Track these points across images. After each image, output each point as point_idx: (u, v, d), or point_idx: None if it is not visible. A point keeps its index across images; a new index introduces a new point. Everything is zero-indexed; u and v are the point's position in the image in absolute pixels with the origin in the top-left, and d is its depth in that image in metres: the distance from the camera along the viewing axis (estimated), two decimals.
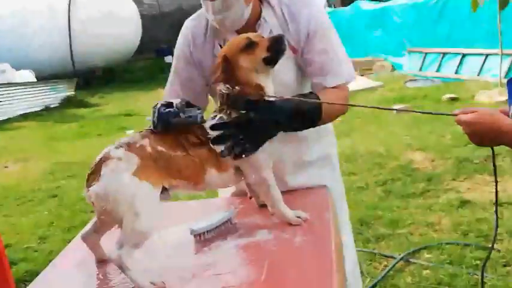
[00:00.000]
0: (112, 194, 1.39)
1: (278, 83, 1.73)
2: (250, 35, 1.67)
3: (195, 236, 1.64)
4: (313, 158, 2.05)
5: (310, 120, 1.75)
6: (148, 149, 1.48)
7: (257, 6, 1.87)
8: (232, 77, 1.60)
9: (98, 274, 1.55)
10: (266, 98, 1.62)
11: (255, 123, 1.58)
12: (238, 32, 1.83)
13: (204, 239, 1.64)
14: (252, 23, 1.86)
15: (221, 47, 1.86)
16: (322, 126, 1.87)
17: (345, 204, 2.25)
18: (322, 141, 2.07)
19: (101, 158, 1.45)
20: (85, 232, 1.60)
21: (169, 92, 2.03)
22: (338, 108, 1.85)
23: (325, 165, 2.10)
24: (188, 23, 2.00)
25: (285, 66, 1.83)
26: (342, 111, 1.92)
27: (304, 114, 1.70)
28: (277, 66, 1.67)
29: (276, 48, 1.62)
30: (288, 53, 1.76)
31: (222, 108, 1.62)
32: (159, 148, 1.49)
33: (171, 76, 2.06)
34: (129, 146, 1.47)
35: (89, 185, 1.44)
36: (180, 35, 2.03)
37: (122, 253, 1.39)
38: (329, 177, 2.10)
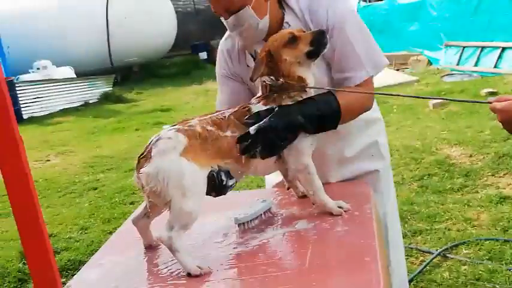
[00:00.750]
0: (161, 173, 1.45)
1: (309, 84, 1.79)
2: (293, 30, 1.73)
3: (239, 225, 1.69)
4: (356, 151, 2.06)
5: (330, 124, 1.76)
6: (198, 128, 1.53)
7: (278, 13, 1.90)
8: (275, 70, 1.67)
9: (145, 260, 1.61)
10: (307, 89, 1.68)
11: (275, 129, 1.61)
12: (265, 40, 1.86)
13: (247, 227, 1.69)
14: (276, 30, 1.88)
15: (252, 56, 1.94)
16: (362, 117, 1.91)
17: (393, 192, 2.25)
18: (364, 133, 2.08)
19: (151, 141, 1.52)
20: (135, 216, 1.66)
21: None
22: (359, 106, 1.88)
23: (368, 155, 2.10)
24: (221, 44, 2.10)
25: (315, 67, 1.85)
26: (364, 108, 1.92)
27: (323, 118, 1.72)
28: None
29: (318, 42, 1.68)
30: None
31: (267, 96, 1.67)
32: (209, 128, 1.55)
33: (219, 95, 2.13)
34: (180, 126, 1.53)
35: (139, 168, 1.50)
36: (217, 57, 2.13)
37: (172, 235, 1.44)
38: (375, 165, 2.11)
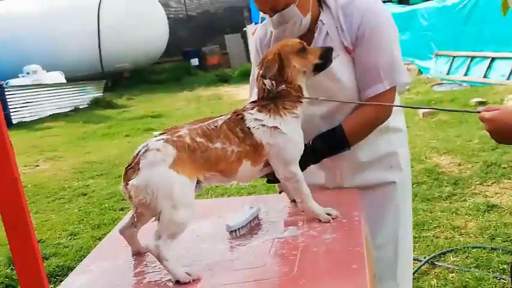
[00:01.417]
0: (150, 186, 1.44)
1: (330, 78, 1.86)
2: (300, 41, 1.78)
3: (230, 232, 1.69)
4: (372, 158, 2.06)
5: (341, 149, 1.93)
6: (187, 140, 1.53)
7: (316, 10, 1.95)
8: (280, 74, 1.69)
9: (132, 268, 1.61)
10: (303, 100, 1.72)
11: None
12: (300, 36, 1.94)
13: (239, 234, 1.69)
14: (312, 27, 1.94)
15: None
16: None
17: (409, 205, 2.25)
18: (381, 140, 2.06)
19: (139, 151, 1.51)
20: (123, 226, 1.65)
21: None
22: (371, 121, 1.96)
23: (387, 165, 2.09)
24: (256, 32, 2.19)
25: (341, 65, 1.90)
26: (378, 120, 1.97)
27: (331, 152, 1.92)
28: (337, 69, 1.86)
29: (327, 58, 1.75)
30: (343, 54, 1.90)
31: (264, 104, 1.68)
32: (198, 139, 1.54)
33: (252, 77, 2.17)
34: (168, 137, 1.52)
35: (127, 179, 1.49)
36: (253, 44, 2.25)
37: (160, 244, 1.44)
38: (393, 176, 2.10)
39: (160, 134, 1.56)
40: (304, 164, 1.77)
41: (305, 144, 1.77)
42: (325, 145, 1.90)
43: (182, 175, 1.47)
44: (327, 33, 1.93)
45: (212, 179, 1.61)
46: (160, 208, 1.45)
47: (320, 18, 1.94)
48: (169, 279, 1.46)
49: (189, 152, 1.51)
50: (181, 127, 1.58)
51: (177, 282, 1.43)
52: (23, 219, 2.28)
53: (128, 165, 1.51)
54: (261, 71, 1.70)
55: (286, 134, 1.65)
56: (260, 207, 1.83)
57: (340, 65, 1.90)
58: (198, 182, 1.56)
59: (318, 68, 1.75)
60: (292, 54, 1.71)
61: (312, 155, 1.87)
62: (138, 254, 1.66)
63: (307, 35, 1.94)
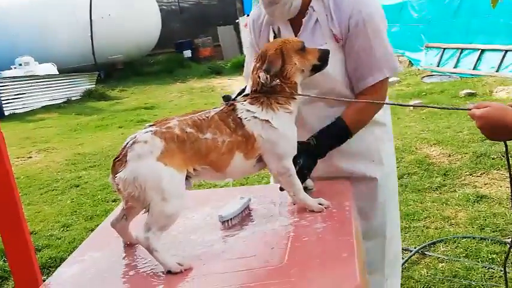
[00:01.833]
0: (138, 179, 1.44)
1: (320, 72, 1.86)
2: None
3: (223, 222, 1.71)
4: (353, 149, 2.06)
5: (343, 140, 1.96)
6: (176, 131, 1.53)
7: None
8: (279, 70, 1.69)
9: (124, 258, 1.62)
10: (296, 96, 1.72)
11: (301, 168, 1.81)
12: (290, 20, 1.99)
13: (231, 225, 1.71)
14: (302, 12, 1.97)
15: (274, 32, 2.03)
16: None
17: (395, 201, 2.29)
18: (365, 132, 2.06)
19: (127, 143, 1.51)
20: (114, 219, 1.65)
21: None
22: (368, 114, 1.99)
23: (368, 159, 2.11)
24: (251, 14, 2.23)
25: (331, 56, 1.91)
26: (375, 111, 2.01)
27: (336, 141, 1.96)
28: None
29: (324, 60, 1.79)
30: (331, 42, 1.93)
31: (256, 97, 1.69)
32: (188, 130, 1.54)
33: (245, 67, 2.23)
34: (157, 129, 1.52)
35: (115, 172, 1.50)
36: (247, 26, 2.25)
37: (150, 235, 1.45)
38: (375, 171, 2.12)
39: (150, 125, 1.55)
40: (314, 160, 1.86)
41: (309, 141, 1.85)
42: (330, 139, 1.94)
43: (170, 167, 1.47)
44: (317, 20, 1.95)
45: (204, 173, 1.60)
46: (150, 201, 1.45)
47: (311, 4, 1.96)
48: (162, 271, 1.46)
49: (178, 143, 1.51)
50: (171, 118, 1.58)
51: (169, 272, 1.44)
52: (15, 211, 2.29)
53: (116, 158, 1.51)
54: (263, 66, 1.69)
55: (277, 128, 1.65)
56: (250, 198, 1.85)
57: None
58: (188, 177, 1.56)
59: (316, 69, 1.78)
60: (293, 52, 1.73)
61: (320, 149, 1.90)
62: (130, 244, 1.67)
63: (296, 19, 1.98)
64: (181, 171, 1.52)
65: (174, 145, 1.50)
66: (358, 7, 1.91)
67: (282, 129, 1.67)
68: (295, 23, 2.00)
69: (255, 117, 1.65)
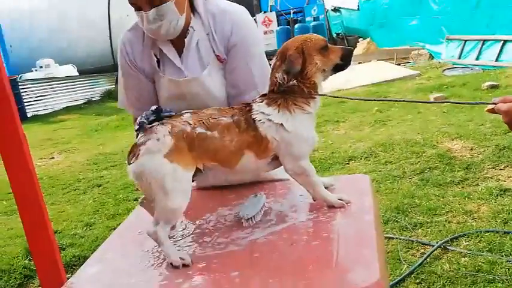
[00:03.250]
0: (144, 173, 1.51)
1: (199, 85, 1.88)
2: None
3: (246, 220, 1.70)
4: None
5: None
6: (187, 128, 1.55)
7: (188, 15, 1.93)
8: (300, 70, 1.64)
9: (143, 256, 1.63)
10: (315, 95, 1.67)
11: None
12: (171, 41, 1.94)
13: (253, 222, 1.70)
14: (183, 32, 1.92)
15: (156, 56, 1.97)
16: None
17: None
18: None
19: (144, 134, 1.56)
20: (142, 198, 1.70)
21: (124, 96, 2.18)
22: None
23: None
24: (125, 35, 2.07)
25: (214, 77, 1.92)
26: None
27: None
28: (208, 78, 1.89)
29: (347, 59, 1.71)
30: (214, 62, 1.92)
31: (273, 98, 1.65)
32: (199, 129, 1.56)
33: (121, 84, 2.17)
34: (169, 126, 1.55)
35: (128, 162, 1.57)
36: (118, 48, 2.11)
37: (157, 229, 1.52)
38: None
39: (164, 122, 1.57)
40: None
41: None
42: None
43: (175, 163, 1.51)
44: (198, 41, 1.93)
45: (216, 169, 1.62)
46: (155, 195, 1.51)
47: (191, 24, 1.93)
48: (182, 270, 1.48)
49: (187, 141, 1.54)
50: (185, 116, 1.59)
51: (171, 265, 1.50)
52: (39, 211, 2.34)
53: (133, 146, 1.57)
54: (283, 65, 1.64)
55: (291, 132, 1.62)
56: (264, 195, 1.85)
57: (208, 75, 1.93)
58: (200, 170, 1.59)
59: (338, 68, 1.70)
60: (315, 51, 1.65)
61: None
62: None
63: (178, 40, 1.93)
64: (188, 168, 1.55)
65: (184, 143, 1.54)
66: (237, 28, 1.92)
67: (296, 131, 1.63)
68: (178, 44, 1.94)
69: (269, 120, 1.62)
